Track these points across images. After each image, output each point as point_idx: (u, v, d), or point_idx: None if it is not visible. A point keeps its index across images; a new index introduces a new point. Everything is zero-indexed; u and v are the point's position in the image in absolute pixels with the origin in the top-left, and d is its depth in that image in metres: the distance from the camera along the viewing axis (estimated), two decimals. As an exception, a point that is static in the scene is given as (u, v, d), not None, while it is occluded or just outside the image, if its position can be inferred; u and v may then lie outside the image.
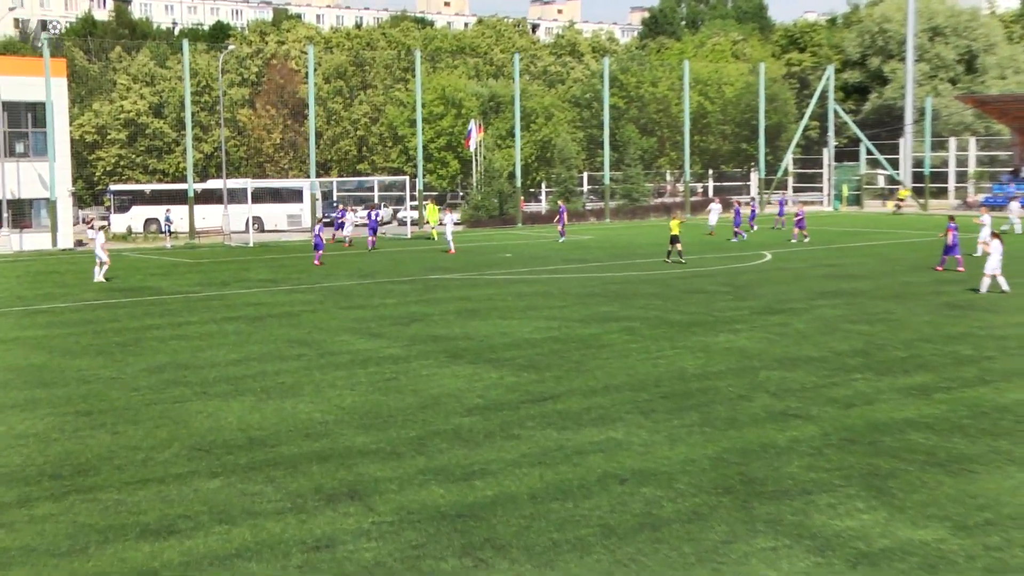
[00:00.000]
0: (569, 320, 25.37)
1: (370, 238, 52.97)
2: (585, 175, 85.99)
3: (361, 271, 39.85)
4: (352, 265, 42.65)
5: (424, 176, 73.06)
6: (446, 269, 39.62)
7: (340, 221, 58.34)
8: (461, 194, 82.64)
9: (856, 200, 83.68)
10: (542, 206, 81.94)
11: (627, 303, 28.40)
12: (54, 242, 56.41)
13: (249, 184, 60.20)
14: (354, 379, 18.66)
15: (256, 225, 66.05)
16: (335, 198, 78.99)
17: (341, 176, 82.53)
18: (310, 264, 42.73)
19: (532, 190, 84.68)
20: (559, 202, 63.33)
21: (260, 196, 66.17)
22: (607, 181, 75.12)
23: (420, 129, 69.82)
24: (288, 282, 36.17)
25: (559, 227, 54.12)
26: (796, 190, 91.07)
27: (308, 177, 70.17)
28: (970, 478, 12.49)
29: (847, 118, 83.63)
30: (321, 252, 43.28)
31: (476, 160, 71.76)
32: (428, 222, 54.72)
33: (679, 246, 40.12)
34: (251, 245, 56.01)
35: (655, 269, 38.06)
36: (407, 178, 65.39)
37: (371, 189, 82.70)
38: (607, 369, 19.17)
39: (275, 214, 69.06)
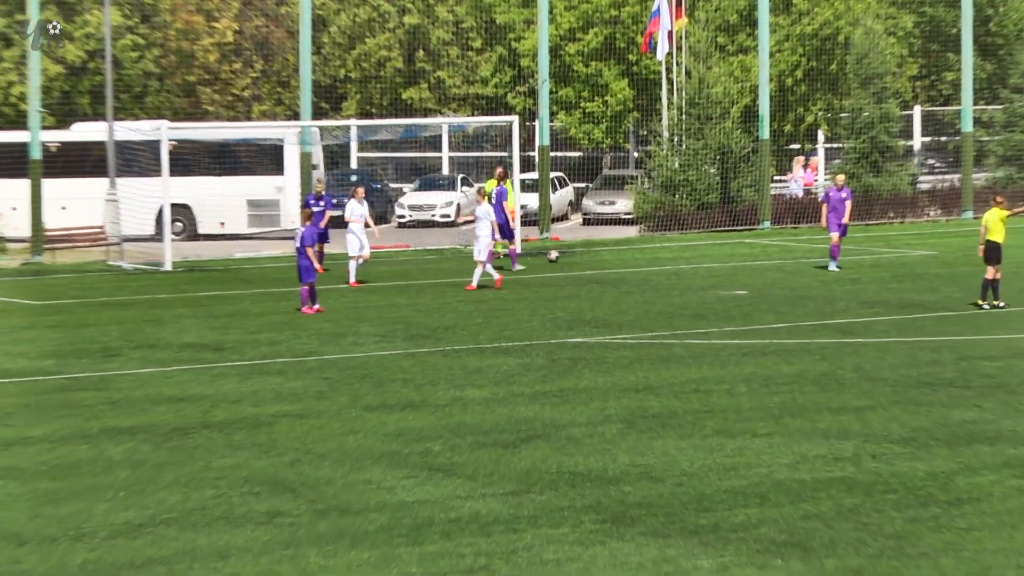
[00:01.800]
0: (877, 439, 25.32)
1: (502, 250, 53.50)
2: (916, 112, 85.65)
3: (409, 326, 40.35)
4: (390, 311, 43.21)
5: (552, 117, 73.39)
6: (598, 323, 39.97)
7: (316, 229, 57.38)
8: (636, 156, 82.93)
9: None
10: (813, 179, 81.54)
11: (1016, 402, 28.25)
12: None
13: (164, 133, 60.90)
14: (395, 567, 18.72)
15: (181, 225, 67.14)
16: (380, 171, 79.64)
17: (368, 116, 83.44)
18: (295, 310, 43.33)
19: (793, 147, 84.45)
20: (837, 180, 62.43)
21: (190, 160, 67.10)
22: (967, 127, 74.54)
23: (545, 14, 70.17)
24: (248, 350, 36.80)
25: (830, 229, 53.38)
26: None
27: (296, 119, 71.04)
28: None
29: None
30: (311, 285, 43.14)
31: (668, 80, 71.91)
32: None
33: (997, 272, 40.62)
34: (167, 268, 57.05)
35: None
36: (515, 120, 65.44)
37: (433, 145, 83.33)
38: (969, 555, 18.91)
39: (223, 201, 69.94)
